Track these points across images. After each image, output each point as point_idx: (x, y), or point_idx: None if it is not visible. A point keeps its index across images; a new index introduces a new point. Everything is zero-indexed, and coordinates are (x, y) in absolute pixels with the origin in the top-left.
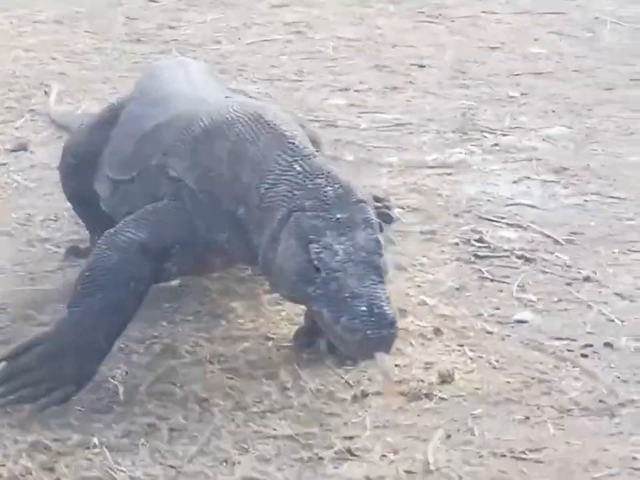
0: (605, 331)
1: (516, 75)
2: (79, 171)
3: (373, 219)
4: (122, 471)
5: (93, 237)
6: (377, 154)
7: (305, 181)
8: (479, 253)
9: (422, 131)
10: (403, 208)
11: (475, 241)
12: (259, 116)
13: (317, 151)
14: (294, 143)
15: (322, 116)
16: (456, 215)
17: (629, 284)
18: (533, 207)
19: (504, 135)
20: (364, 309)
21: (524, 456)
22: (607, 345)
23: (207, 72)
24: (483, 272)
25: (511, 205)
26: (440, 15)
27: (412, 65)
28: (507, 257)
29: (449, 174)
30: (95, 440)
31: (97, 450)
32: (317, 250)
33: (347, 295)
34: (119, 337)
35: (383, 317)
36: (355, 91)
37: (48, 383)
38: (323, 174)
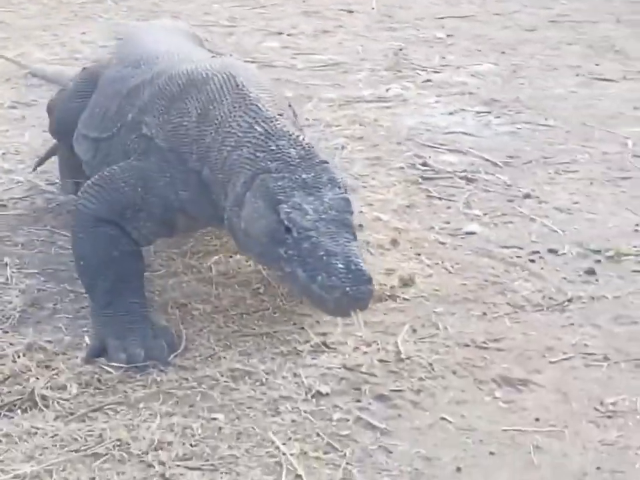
0: (548, 240)
1: (441, 18)
2: (67, 135)
3: (339, 179)
4: (115, 366)
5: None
6: (315, 91)
7: (267, 143)
8: (424, 175)
9: (356, 69)
10: (347, 137)
11: (420, 164)
12: (230, 76)
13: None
14: (257, 105)
15: (259, 58)
16: (398, 143)
17: (565, 199)
18: (470, 134)
19: (435, 72)
20: (341, 266)
21: (485, 345)
22: (552, 251)
23: (184, 32)
24: (430, 191)
25: (449, 133)
26: None
27: (340, 10)
28: (451, 177)
29: (388, 107)
30: (86, 339)
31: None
32: (287, 210)
33: (321, 253)
34: (142, 285)
35: (360, 274)
36: (288, 34)
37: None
38: (285, 136)
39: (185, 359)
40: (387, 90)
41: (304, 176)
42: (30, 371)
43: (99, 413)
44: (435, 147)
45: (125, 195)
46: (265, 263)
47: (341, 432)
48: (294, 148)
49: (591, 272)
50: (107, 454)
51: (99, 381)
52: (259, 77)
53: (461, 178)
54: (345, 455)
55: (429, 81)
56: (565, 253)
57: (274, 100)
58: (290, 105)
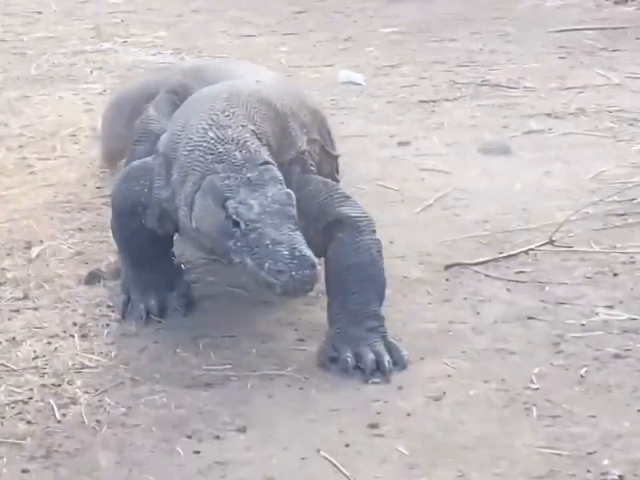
0: None
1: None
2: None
3: (279, 177)
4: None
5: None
6: (54, 49)
7: (216, 147)
8: None
9: (70, 39)
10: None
11: None
12: (225, 91)
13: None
14: (217, 114)
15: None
16: (128, 69)
17: None
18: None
19: (128, 38)
20: (286, 253)
21: None
22: None
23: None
24: None
25: (161, 63)
26: None
27: (30, 12)
28: None
29: (108, 54)
30: None
31: None
32: (234, 205)
33: (267, 242)
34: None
35: (304, 259)
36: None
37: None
38: (232, 141)
39: None
40: (101, 46)
41: (248, 175)
42: None
43: None
44: None
45: (137, 193)
46: (217, 256)
47: None
48: (239, 151)
49: None
50: None
51: None
52: (260, 93)
53: None
54: None
55: (126, 41)
56: None
57: (273, 112)
58: (323, 123)
